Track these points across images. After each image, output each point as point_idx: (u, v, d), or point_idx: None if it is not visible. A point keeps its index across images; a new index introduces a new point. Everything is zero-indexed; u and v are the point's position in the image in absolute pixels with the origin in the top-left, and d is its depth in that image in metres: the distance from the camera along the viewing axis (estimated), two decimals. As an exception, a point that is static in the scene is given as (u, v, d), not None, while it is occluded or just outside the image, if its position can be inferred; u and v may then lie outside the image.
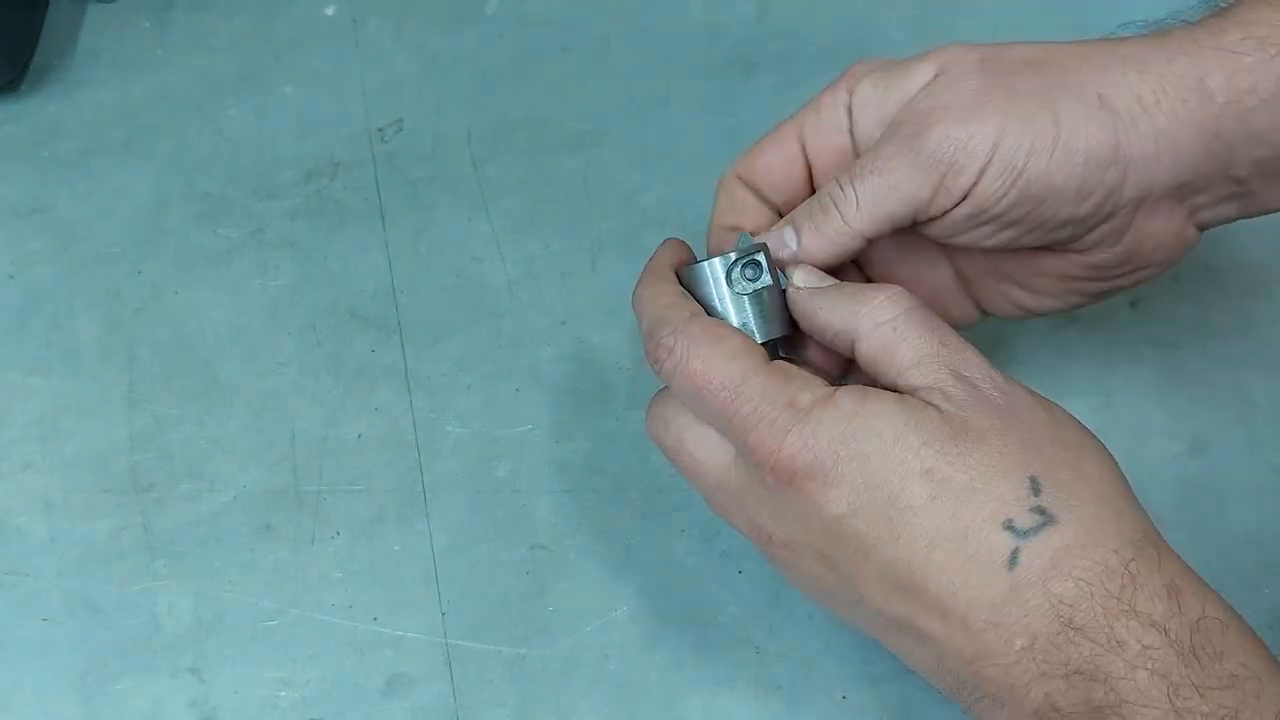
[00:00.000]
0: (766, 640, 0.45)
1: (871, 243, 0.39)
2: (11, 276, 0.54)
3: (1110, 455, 0.35)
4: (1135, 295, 0.53)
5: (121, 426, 0.50)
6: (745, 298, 0.39)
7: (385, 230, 0.55)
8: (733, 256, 0.39)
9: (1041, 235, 0.39)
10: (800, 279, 0.39)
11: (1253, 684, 0.30)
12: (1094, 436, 0.36)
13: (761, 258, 0.39)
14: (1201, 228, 0.41)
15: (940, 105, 0.38)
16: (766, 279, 0.39)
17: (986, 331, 0.52)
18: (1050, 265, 0.42)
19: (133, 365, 0.51)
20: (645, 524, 0.48)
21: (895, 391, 0.35)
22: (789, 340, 0.40)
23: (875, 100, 0.40)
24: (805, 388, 0.35)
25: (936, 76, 0.39)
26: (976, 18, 0.62)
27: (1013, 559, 0.32)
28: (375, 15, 0.62)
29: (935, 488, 0.33)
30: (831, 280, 0.39)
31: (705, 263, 0.39)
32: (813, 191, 0.42)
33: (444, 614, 0.46)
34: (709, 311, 0.39)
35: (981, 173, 0.37)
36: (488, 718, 0.44)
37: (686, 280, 0.40)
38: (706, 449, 0.37)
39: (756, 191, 0.43)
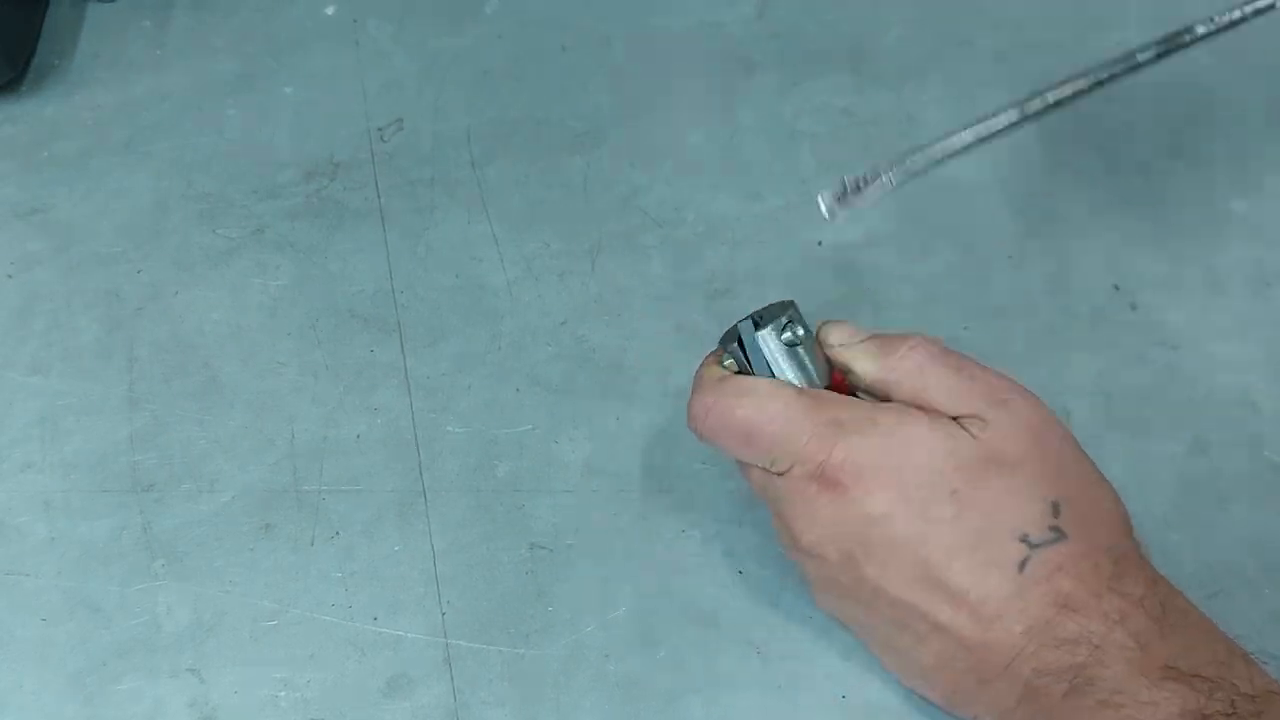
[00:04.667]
0: (766, 640, 0.45)
1: None
2: (11, 276, 0.54)
3: (1120, 501, 0.39)
4: (1136, 296, 0.53)
5: (121, 426, 0.50)
6: (790, 352, 0.41)
7: (385, 230, 0.55)
8: (780, 319, 0.41)
9: None
10: (835, 337, 0.41)
11: (1213, 632, 0.36)
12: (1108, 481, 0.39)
13: (795, 313, 0.41)
14: None
15: None
16: (801, 332, 0.41)
17: (987, 332, 0.52)
18: None
19: (133, 365, 0.52)
20: (645, 524, 0.48)
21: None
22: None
23: None
24: (847, 407, 0.38)
25: None
26: (978, 17, 0.62)
27: (1023, 565, 0.36)
28: (375, 15, 0.62)
29: (960, 508, 0.36)
30: (864, 333, 0.41)
31: (744, 327, 0.41)
32: None
33: (444, 614, 0.46)
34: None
35: None
36: (488, 718, 0.44)
37: (735, 347, 0.42)
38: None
39: None
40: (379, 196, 0.56)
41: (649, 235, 0.55)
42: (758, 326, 0.41)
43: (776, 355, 0.41)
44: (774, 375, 0.41)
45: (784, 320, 0.41)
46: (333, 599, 0.46)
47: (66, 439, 0.50)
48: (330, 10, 0.63)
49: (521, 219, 0.55)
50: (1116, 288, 0.53)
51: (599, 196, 0.56)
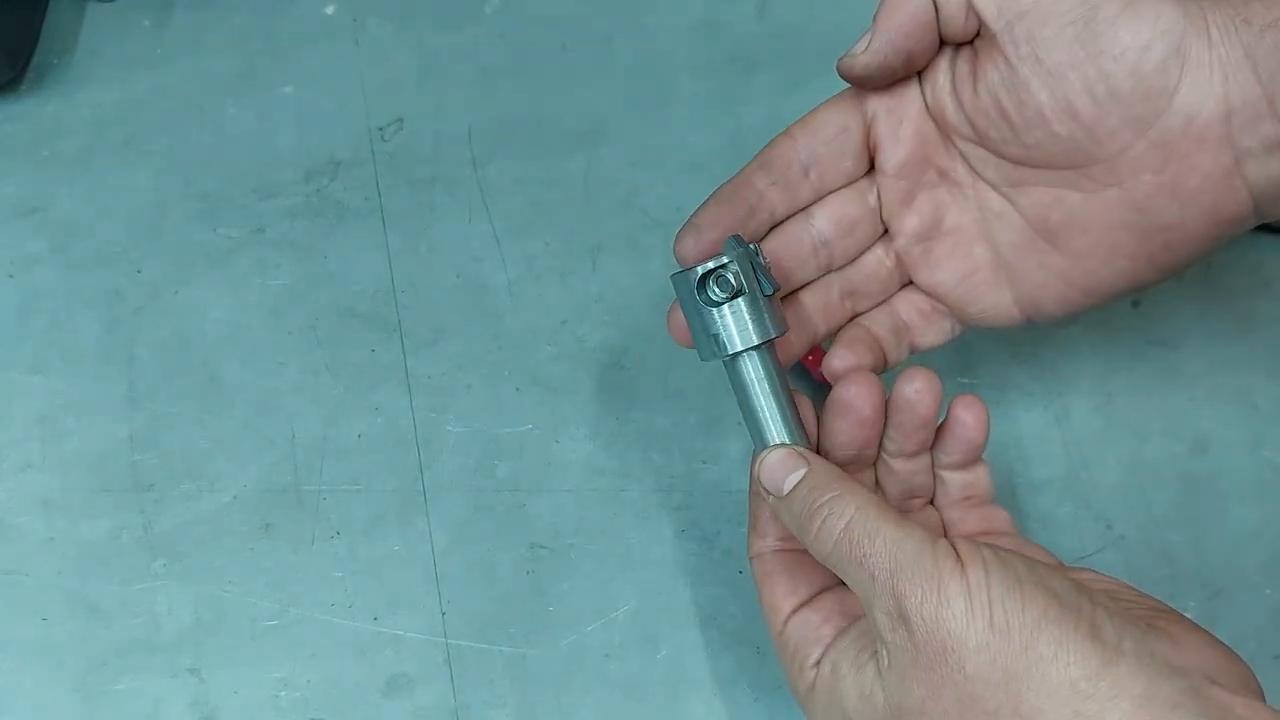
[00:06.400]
0: (766, 640, 0.45)
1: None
2: (11, 276, 0.54)
3: (1062, 647, 0.32)
4: (1137, 295, 0.53)
5: (121, 426, 0.50)
6: (719, 309, 0.39)
7: (385, 230, 0.55)
8: (698, 269, 0.39)
9: (1092, 106, 0.38)
10: (765, 475, 0.39)
11: None
12: (1037, 627, 0.33)
13: (735, 269, 0.39)
14: (1254, 192, 0.39)
15: None
16: (742, 287, 0.39)
17: (987, 332, 0.52)
18: (1097, 213, 0.40)
19: (133, 365, 0.51)
20: (645, 524, 0.48)
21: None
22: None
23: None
24: (801, 673, 0.39)
25: None
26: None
27: None
28: (375, 15, 0.62)
29: None
30: (795, 464, 0.38)
31: (687, 272, 0.40)
32: (868, 152, 0.43)
33: (444, 614, 0.46)
34: (708, 319, 0.39)
35: None
36: (488, 718, 0.44)
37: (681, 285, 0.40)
38: None
39: (803, 150, 0.42)
40: (379, 196, 0.56)
41: (650, 235, 0.55)
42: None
43: (702, 307, 0.39)
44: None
45: (714, 272, 0.39)
46: (333, 599, 0.46)
47: (66, 439, 0.50)
48: (330, 10, 0.63)
49: (522, 218, 0.55)
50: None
51: (600, 196, 0.56)
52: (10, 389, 0.51)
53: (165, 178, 0.57)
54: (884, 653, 0.35)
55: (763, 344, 0.39)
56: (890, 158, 0.42)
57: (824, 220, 0.43)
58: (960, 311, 0.43)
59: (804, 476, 0.38)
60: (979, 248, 0.43)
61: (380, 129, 0.58)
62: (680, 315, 0.41)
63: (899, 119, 0.42)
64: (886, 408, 0.41)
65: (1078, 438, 0.49)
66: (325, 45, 0.61)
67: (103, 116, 0.59)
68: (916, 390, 0.40)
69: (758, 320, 0.39)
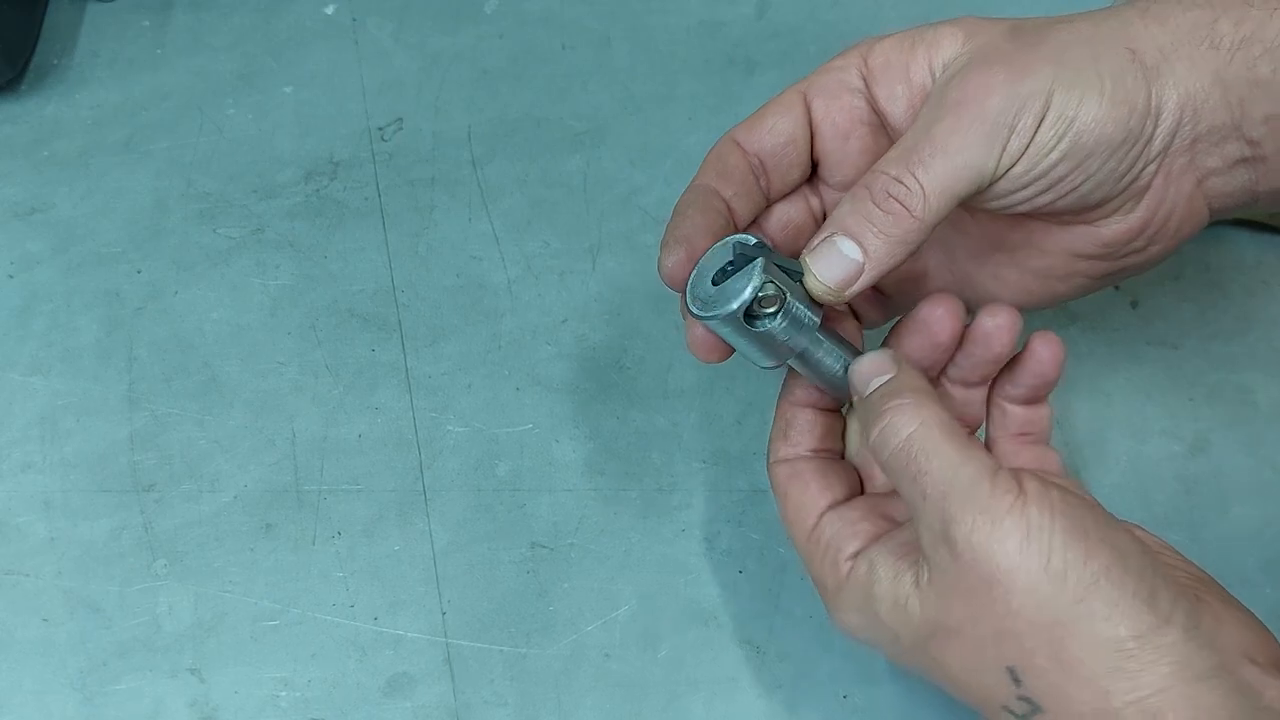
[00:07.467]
0: (767, 640, 0.45)
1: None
2: (11, 276, 0.54)
3: (1116, 607, 0.33)
4: (1136, 295, 0.53)
5: (121, 426, 0.50)
6: (774, 320, 0.37)
7: (385, 230, 0.55)
8: (745, 300, 0.36)
9: (1075, 198, 0.37)
10: (856, 380, 0.38)
11: None
12: (1095, 584, 0.33)
13: (772, 281, 0.37)
14: (1212, 205, 0.39)
15: (987, 68, 0.37)
16: (783, 293, 0.37)
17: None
18: (1061, 241, 0.40)
19: (133, 365, 0.52)
20: (645, 524, 0.48)
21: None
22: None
23: (899, 61, 0.39)
24: (834, 566, 0.38)
25: (967, 41, 0.38)
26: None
27: None
28: (375, 15, 0.62)
29: (939, 676, 0.36)
30: (883, 375, 0.37)
31: (718, 318, 0.37)
32: (811, 161, 0.41)
33: (444, 614, 0.46)
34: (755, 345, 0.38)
35: (1037, 127, 0.36)
36: (488, 718, 0.44)
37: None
38: None
39: (753, 157, 0.40)
40: (379, 196, 0.56)
41: (649, 234, 0.55)
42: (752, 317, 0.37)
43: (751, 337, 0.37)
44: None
45: (756, 300, 0.36)
46: (333, 599, 0.46)
47: (66, 439, 0.50)
48: (330, 10, 0.63)
49: (521, 218, 0.55)
50: (1117, 287, 0.53)
51: (599, 196, 0.56)
52: (10, 389, 0.51)
53: (165, 178, 0.57)
54: (924, 567, 0.35)
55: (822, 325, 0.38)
56: (836, 173, 0.41)
57: (773, 225, 0.42)
58: (909, 308, 0.43)
59: (887, 380, 0.37)
60: (931, 254, 0.43)
61: (380, 129, 0.58)
62: (700, 334, 0.39)
63: (846, 135, 0.41)
64: (962, 336, 0.40)
65: (1077, 438, 0.49)
66: (325, 45, 0.61)
67: (102, 117, 0.59)
68: (998, 325, 0.39)
69: (808, 309, 0.38)
